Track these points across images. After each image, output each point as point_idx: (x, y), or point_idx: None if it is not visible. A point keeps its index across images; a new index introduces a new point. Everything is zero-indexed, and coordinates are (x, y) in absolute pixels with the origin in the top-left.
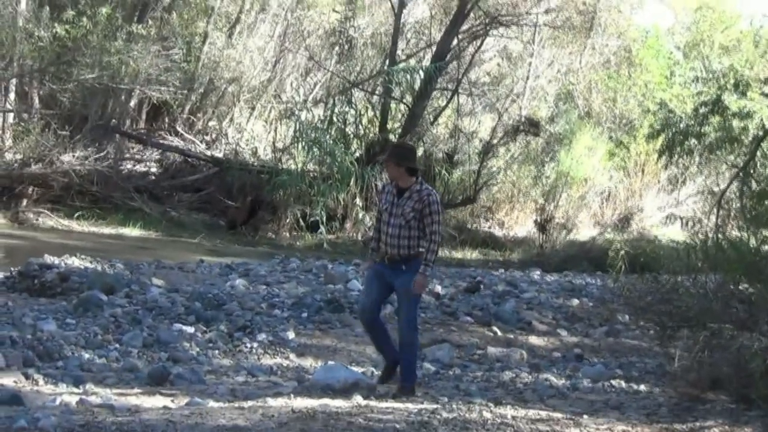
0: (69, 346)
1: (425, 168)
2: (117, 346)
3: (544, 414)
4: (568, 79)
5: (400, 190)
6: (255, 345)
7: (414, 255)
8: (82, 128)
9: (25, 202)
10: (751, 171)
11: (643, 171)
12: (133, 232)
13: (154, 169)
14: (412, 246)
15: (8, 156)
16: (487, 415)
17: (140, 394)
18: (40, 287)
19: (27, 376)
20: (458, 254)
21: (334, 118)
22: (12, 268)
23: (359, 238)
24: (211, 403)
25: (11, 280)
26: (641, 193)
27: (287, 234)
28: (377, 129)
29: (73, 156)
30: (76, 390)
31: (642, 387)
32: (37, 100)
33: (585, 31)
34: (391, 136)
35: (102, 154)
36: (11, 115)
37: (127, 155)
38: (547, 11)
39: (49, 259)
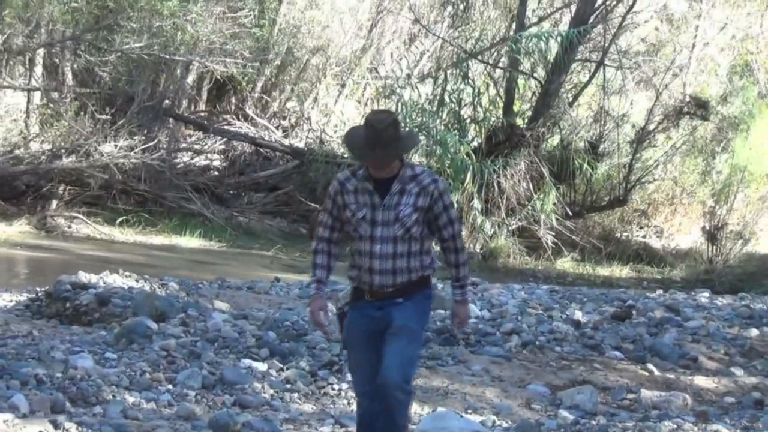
0: (109, 387)
1: (561, 160)
2: (170, 387)
3: None
4: (746, 47)
5: (381, 183)
6: (344, 386)
7: (419, 282)
8: (127, 111)
9: (54, 204)
10: None
11: None
12: (190, 242)
13: (217, 163)
14: (415, 269)
15: (34, 146)
16: None
17: None
18: (74, 312)
19: (56, 425)
20: (604, 271)
21: (446, 98)
22: (38, 288)
23: (478, 249)
24: None
25: (37, 304)
26: None
27: None
28: (501, 111)
29: (116, 146)
30: None
31: None
32: (70, 76)
33: None
34: (519, 120)
35: (152, 143)
36: (38, 95)
37: (183, 145)
38: None
39: (84, 276)
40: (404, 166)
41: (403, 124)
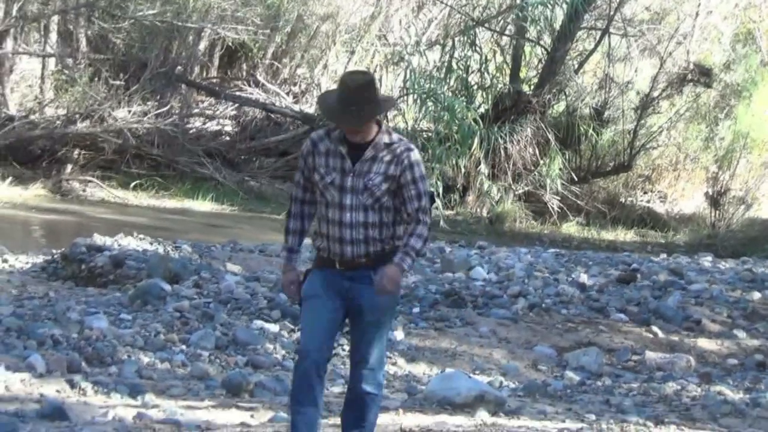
0: (124, 348)
1: (567, 127)
2: (183, 347)
3: None
4: (749, 15)
5: (355, 147)
6: None
7: (390, 254)
8: (140, 77)
9: (69, 168)
10: None
11: None
12: (202, 205)
13: (228, 128)
14: (387, 238)
15: (49, 111)
16: None
17: (212, 408)
18: (89, 274)
19: (72, 385)
20: (609, 235)
21: (454, 65)
22: (54, 251)
23: (485, 214)
24: None
25: (53, 266)
26: None
27: None
28: (507, 78)
29: (129, 111)
30: (132, 402)
31: None
32: (84, 43)
33: None
34: (526, 87)
35: (164, 109)
36: (53, 61)
37: (196, 110)
38: None
39: (99, 239)
40: (381, 132)
41: (412, 90)
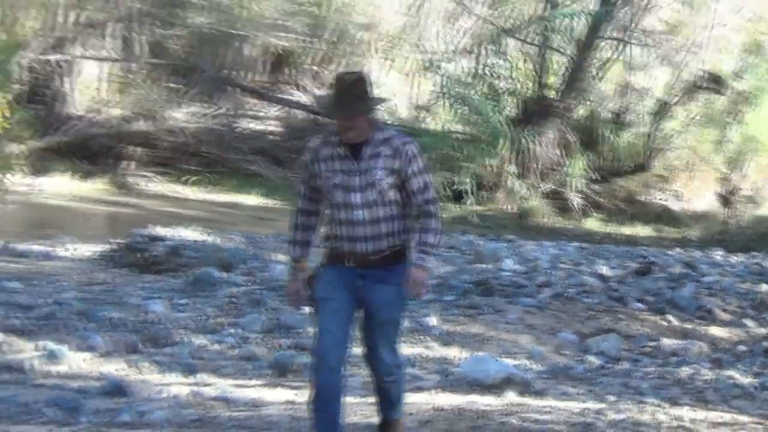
0: (179, 330)
1: (589, 130)
2: (234, 330)
3: (727, 417)
4: (757, 28)
5: (354, 148)
6: None
7: (400, 249)
8: (194, 81)
9: (128, 164)
10: None
11: None
12: (251, 200)
13: (275, 128)
14: (396, 233)
15: (111, 112)
16: (661, 417)
17: (260, 386)
18: (147, 262)
19: (132, 364)
20: (627, 230)
21: (484, 72)
22: (115, 241)
23: (513, 210)
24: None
25: (115, 254)
26: None
27: None
28: (534, 84)
29: (184, 112)
30: (187, 380)
31: None
32: (143, 48)
33: None
34: (551, 93)
35: (216, 110)
36: (115, 65)
37: (245, 112)
38: None
39: (157, 230)
40: (376, 129)
41: (445, 95)
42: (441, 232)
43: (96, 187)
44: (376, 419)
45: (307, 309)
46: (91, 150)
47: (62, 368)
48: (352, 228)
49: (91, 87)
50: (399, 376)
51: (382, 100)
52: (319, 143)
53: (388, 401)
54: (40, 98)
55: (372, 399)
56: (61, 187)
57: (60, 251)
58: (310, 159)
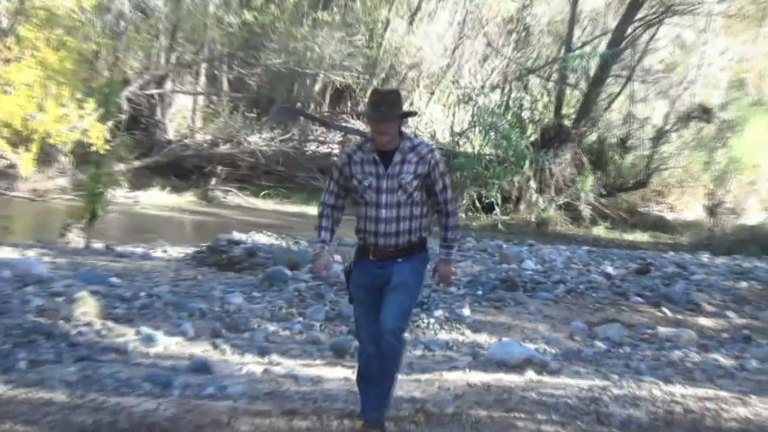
0: (255, 319)
1: (598, 152)
2: (300, 319)
3: (712, 393)
4: (741, 67)
5: (385, 154)
6: (432, 321)
7: (418, 243)
8: (269, 111)
9: (214, 180)
10: None
11: None
12: (316, 210)
13: (336, 151)
14: (416, 230)
15: (199, 137)
16: (656, 392)
17: (322, 366)
18: (228, 262)
19: (215, 346)
20: (629, 236)
21: (510, 104)
22: (202, 244)
23: (533, 219)
24: None
25: (201, 255)
26: None
27: (463, 215)
28: (552, 114)
29: (260, 137)
30: (261, 360)
31: None
32: (226, 84)
33: (758, 20)
34: (566, 121)
35: (287, 135)
36: (202, 98)
37: (311, 137)
38: (720, 0)
39: (236, 235)
40: (403, 139)
41: (478, 123)
42: (460, 226)
43: (186, 199)
44: (418, 393)
45: (333, 285)
46: (182, 168)
47: (157, 350)
48: (377, 224)
49: (182, 116)
50: (397, 347)
51: (413, 114)
52: (354, 149)
53: (380, 378)
54: (141, 125)
55: (414, 376)
56: (156, 199)
57: (155, 253)
58: (343, 162)
